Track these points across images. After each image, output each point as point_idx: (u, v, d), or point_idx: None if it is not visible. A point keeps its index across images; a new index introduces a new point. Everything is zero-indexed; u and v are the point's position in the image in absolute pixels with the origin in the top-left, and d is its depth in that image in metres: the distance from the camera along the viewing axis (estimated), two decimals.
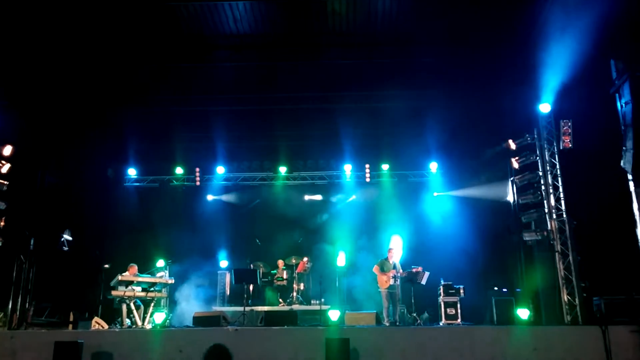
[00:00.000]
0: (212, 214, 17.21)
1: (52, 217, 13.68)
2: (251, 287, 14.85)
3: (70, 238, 13.84)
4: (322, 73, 14.10)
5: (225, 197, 17.57)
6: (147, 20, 12.70)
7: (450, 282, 12.92)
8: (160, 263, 13.96)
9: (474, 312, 13.03)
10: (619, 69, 10.51)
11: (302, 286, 15.07)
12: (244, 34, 13.27)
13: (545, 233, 12.51)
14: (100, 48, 12.99)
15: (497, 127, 13.92)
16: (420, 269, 12.79)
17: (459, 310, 12.63)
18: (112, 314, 12.86)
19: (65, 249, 13.69)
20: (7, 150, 12.38)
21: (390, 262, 12.91)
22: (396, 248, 13.26)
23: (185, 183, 17.32)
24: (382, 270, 12.81)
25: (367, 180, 16.89)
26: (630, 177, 10.13)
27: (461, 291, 12.80)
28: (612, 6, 10.07)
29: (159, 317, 11.70)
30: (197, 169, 17.10)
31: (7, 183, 12.20)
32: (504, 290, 12.62)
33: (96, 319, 11.96)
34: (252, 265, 15.35)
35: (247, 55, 13.63)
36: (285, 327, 10.67)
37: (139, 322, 12.09)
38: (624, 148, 10.19)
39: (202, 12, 12.46)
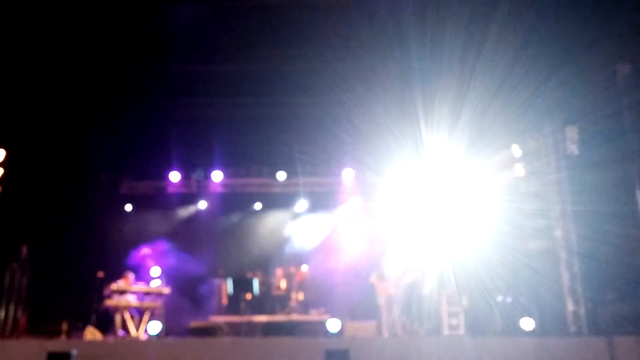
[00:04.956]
0: (209, 220, 16.98)
1: (46, 223, 13.50)
2: (249, 297, 14.66)
3: None
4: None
5: (221, 205, 17.34)
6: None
7: (452, 292, 12.71)
8: (156, 271, 13.81)
9: (477, 322, 12.79)
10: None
11: (301, 296, 14.89)
12: None
13: (550, 241, 12.40)
14: (96, 49, 12.79)
15: (503, 131, 13.73)
16: (420, 274, 12.62)
17: (461, 320, 12.43)
18: (106, 323, 12.63)
19: None
20: (1, 155, 12.22)
21: (389, 271, 12.69)
22: (394, 256, 13.12)
23: (181, 189, 17.04)
24: (381, 279, 12.61)
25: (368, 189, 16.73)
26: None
27: (464, 301, 12.62)
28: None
29: (154, 326, 11.58)
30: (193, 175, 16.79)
31: (1, 189, 12.06)
32: (508, 299, 12.41)
33: (90, 328, 11.75)
34: (250, 274, 15.15)
35: None
36: (284, 337, 10.54)
37: (134, 332, 11.95)
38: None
39: None
